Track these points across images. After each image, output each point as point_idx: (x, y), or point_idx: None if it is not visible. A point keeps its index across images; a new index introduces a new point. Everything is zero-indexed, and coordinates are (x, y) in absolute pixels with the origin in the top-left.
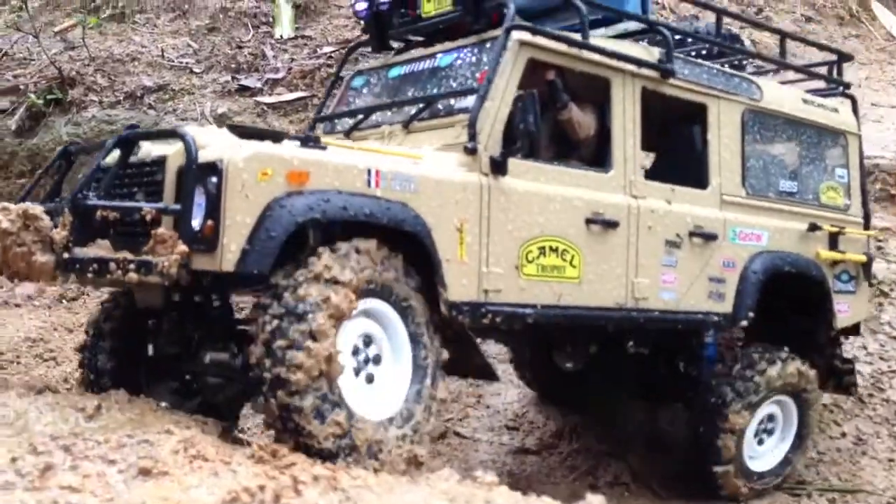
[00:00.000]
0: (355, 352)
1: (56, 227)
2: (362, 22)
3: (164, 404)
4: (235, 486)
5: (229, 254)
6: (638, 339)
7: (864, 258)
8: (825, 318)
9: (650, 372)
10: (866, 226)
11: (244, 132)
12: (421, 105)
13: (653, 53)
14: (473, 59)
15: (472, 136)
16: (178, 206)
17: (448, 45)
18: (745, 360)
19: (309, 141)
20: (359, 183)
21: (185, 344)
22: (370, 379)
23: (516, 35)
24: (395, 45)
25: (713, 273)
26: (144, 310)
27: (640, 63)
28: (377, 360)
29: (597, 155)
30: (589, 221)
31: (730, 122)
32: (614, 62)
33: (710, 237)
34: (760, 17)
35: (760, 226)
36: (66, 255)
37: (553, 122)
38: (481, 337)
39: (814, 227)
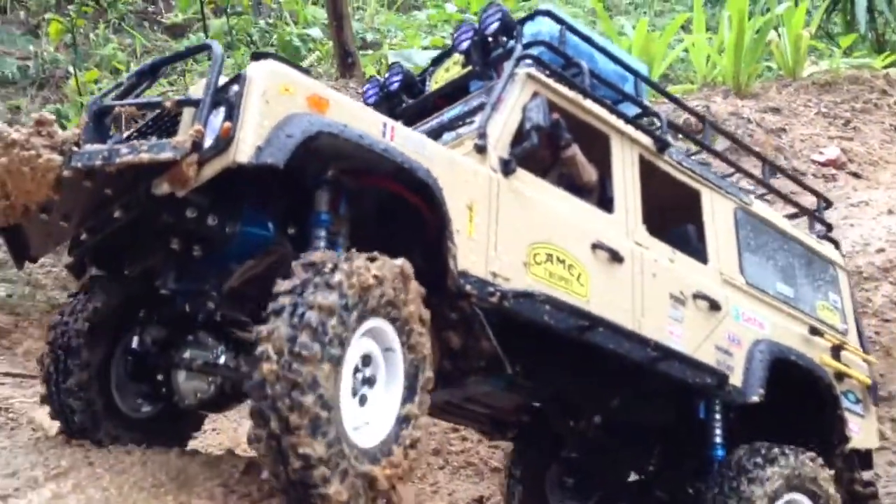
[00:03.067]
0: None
1: None
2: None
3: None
4: None
5: (245, 146)
6: (647, 395)
7: (868, 380)
8: (837, 431)
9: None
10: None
11: (270, 56)
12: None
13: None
14: (479, 102)
15: (482, 136)
16: (199, 96)
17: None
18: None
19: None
20: (374, 130)
21: (166, 340)
22: (363, 401)
23: (524, 69)
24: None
25: (720, 343)
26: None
27: (637, 126)
28: (371, 381)
29: (600, 204)
30: (595, 247)
31: (723, 213)
32: (612, 119)
33: (714, 305)
34: (848, 129)
35: (762, 315)
36: (73, 149)
37: (558, 171)
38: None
39: (815, 332)
